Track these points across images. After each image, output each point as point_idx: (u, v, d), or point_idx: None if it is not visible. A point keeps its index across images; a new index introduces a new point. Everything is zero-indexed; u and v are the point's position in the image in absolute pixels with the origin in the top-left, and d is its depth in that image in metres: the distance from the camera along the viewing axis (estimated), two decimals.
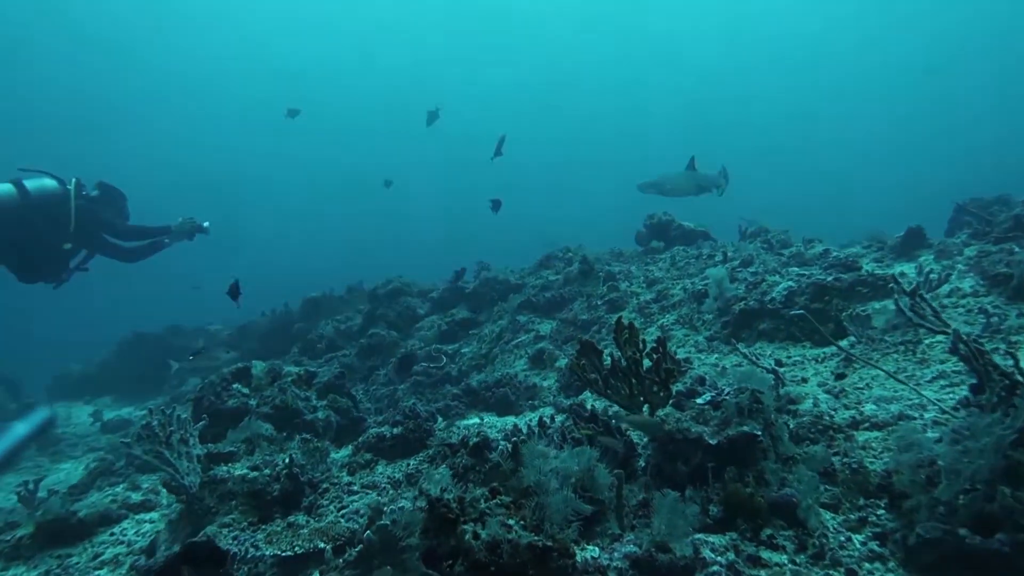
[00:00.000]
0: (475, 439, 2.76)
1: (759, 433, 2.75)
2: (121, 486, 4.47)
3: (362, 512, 3.05)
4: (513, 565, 1.68)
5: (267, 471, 3.39)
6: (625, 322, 3.15)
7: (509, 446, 2.16)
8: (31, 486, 3.99)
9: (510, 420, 4.80)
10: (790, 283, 5.20)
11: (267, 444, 4.04)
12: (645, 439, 3.33)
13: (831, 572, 2.25)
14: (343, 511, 3.11)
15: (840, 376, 3.88)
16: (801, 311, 4.01)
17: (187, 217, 7.60)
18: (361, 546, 1.98)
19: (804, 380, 4.03)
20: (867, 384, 3.68)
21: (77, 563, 3.43)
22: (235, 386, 4.79)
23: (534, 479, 2.01)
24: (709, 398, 3.03)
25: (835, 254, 5.47)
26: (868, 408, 3.30)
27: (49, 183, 6.80)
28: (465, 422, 4.81)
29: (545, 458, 2.10)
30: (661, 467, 2.88)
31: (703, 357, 5.15)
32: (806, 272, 5.35)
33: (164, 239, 7.66)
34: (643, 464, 3.00)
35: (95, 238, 7.24)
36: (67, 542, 3.61)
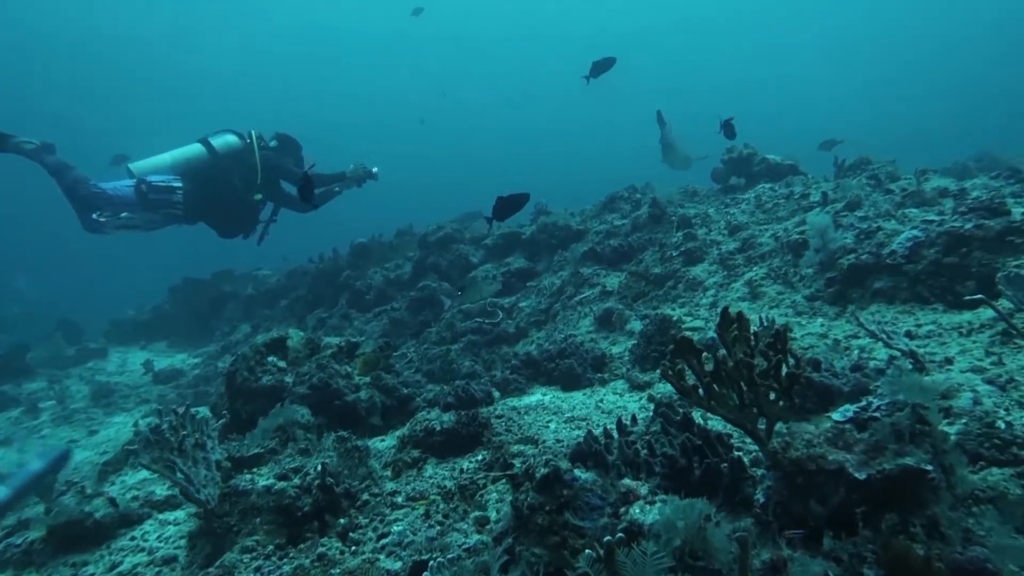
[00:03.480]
0: (543, 470, 2.14)
1: (929, 468, 2.03)
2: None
3: (404, 544, 2.50)
4: None
5: (296, 481, 2.88)
6: (733, 312, 2.42)
7: (600, 549, 1.51)
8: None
9: (577, 397, 4.18)
10: (915, 232, 4.29)
11: (303, 433, 3.55)
12: (759, 454, 2.65)
13: None
14: (383, 540, 2.57)
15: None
16: (980, 296, 3.15)
17: (359, 163, 7.53)
18: None
19: (948, 361, 3.21)
20: None
21: (93, 574, 3.05)
22: (270, 359, 4.30)
23: None
24: (851, 414, 2.30)
25: (974, 193, 4.47)
26: None
27: (231, 138, 6.89)
28: (527, 400, 4.21)
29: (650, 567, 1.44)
30: (787, 505, 2.20)
31: (804, 322, 4.35)
32: (935, 218, 4.41)
33: (335, 187, 7.57)
34: (761, 499, 2.31)
35: (277, 188, 7.26)
36: (83, 547, 3.23)
